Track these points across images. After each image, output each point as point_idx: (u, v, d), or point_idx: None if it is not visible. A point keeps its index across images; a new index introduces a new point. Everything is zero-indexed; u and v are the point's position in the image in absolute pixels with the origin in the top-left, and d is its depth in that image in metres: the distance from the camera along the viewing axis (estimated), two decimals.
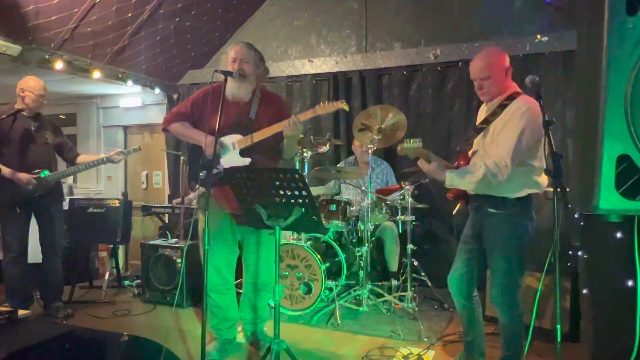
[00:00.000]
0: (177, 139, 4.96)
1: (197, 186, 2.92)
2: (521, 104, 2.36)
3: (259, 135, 2.84)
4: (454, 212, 3.31)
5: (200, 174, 2.83)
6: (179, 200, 4.89)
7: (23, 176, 3.53)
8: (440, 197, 4.52)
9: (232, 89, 2.83)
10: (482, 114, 2.63)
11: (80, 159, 3.88)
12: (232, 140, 2.88)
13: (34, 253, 3.86)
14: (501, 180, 2.31)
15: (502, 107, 2.42)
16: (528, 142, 2.32)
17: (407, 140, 2.37)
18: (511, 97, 2.42)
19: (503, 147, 2.33)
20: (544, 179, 2.42)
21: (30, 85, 3.61)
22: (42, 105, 3.70)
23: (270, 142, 2.90)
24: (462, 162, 2.55)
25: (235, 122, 2.89)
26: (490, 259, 2.50)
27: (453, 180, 2.40)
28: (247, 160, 2.85)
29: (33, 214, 3.76)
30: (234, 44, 2.95)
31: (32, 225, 3.79)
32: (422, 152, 2.40)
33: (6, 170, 3.53)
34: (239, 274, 3.21)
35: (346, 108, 2.83)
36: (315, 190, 4.53)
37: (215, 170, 2.76)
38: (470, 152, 2.60)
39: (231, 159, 2.86)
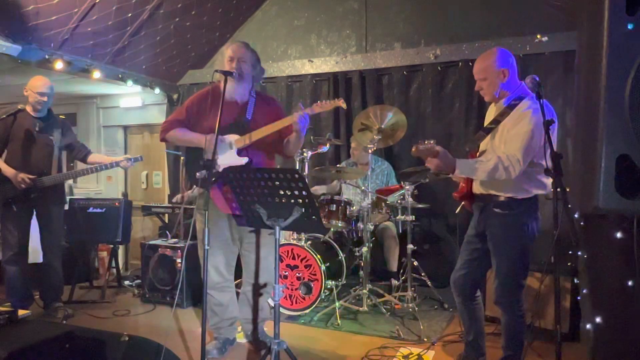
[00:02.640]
0: None
1: (194, 187, 2.92)
2: (530, 103, 2.35)
3: (257, 134, 2.84)
4: (457, 211, 3.30)
5: (198, 174, 2.83)
6: (178, 197, 4.88)
7: (19, 175, 3.54)
8: (441, 197, 4.53)
9: (230, 88, 2.82)
10: (490, 114, 2.62)
11: (92, 158, 3.89)
12: (229, 140, 2.88)
13: (34, 253, 3.86)
14: (512, 175, 2.27)
15: (511, 107, 2.41)
16: (539, 140, 2.30)
17: (422, 141, 2.35)
18: (520, 97, 2.42)
19: (515, 143, 2.30)
20: (550, 180, 2.41)
21: (32, 84, 3.62)
22: (43, 104, 3.65)
23: (267, 142, 2.91)
24: None
25: (232, 122, 2.89)
26: (494, 259, 2.49)
27: (463, 169, 2.36)
28: (244, 160, 2.85)
29: (35, 213, 3.77)
30: (230, 44, 2.96)
31: (34, 225, 3.79)
32: (434, 151, 2.37)
33: (9, 171, 3.54)
34: (239, 274, 3.21)
35: (344, 106, 2.83)
36: (318, 189, 4.53)
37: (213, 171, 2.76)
38: (477, 153, 2.59)
39: (228, 159, 2.86)
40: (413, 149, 2.39)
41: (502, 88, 2.45)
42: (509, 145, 2.33)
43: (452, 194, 2.69)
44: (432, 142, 2.34)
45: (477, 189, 2.56)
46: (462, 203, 2.73)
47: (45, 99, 3.65)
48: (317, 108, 2.81)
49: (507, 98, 2.45)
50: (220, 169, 2.81)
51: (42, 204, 3.71)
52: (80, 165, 5.14)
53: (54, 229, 3.79)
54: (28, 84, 3.63)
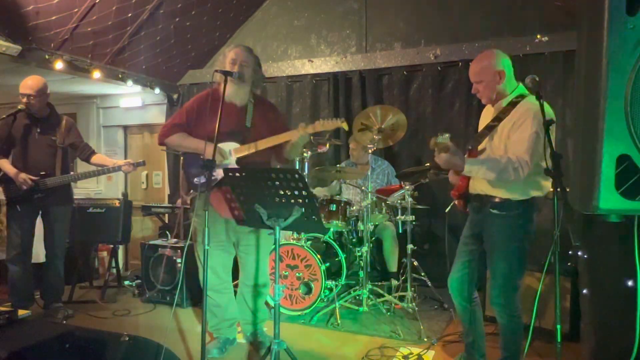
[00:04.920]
0: None
1: (191, 191, 2.92)
2: (531, 104, 2.34)
3: (262, 145, 2.84)
4: (446, 210, 3.29)
5: (195, 179, 2.83)
6: (179, 202, 4.89)
7: (21, 176, 3.54)
8: (441, 197, 4.53)
9: (229, 90, 2.81)
10: (487, 115, 2.61)
11: (95, 159, 3.86)
12: (228, 148, 2.88)
13: (35, 253, 3.87)
14: (520, 177, 2.27)
15: (512, 104, 2.40)
16: (542, 141, 2.29)
17: (440, 134, 2.34)
18: (520, 96, 2.41)
19: (521, 145, 2.29)
20: (548, 182, 2.40)
21: (21, 85, 3.58)
22: (30, 106, 3.56)
23: (263, 150, 2.90)
24: None
25: (232, 129, 2.88)
26: (490, 260, 2.49)
27: (472, 167, 2.34)
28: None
29: (40, 214, 3.77)
30: (233, 46, 2.96)
31: (39, 225, 3.80)
32: (446, 147, 2.37)
33: (12, 171, 3.55)
34: (237, 274, 3.21)
35: (345, 128, 2.83)
36: (318, 192, 4.53)
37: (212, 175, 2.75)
38: (477, 152, 2.58)
39: (227, 167, 2.85)
40: (431, 142, 2.38)
41: (499, 90, 2.44)
42: (515, 148, 2.31)
43: (450, 192, 2.69)
44: (448, 135, 2.33)
45: (473, 189, 2.55)
46: (454, 202, 2.72)
47: (25, 100, 3.55)
48: (319, 126, 2.80)
49: (507, 98, 2.44)
50: (219, 177, 2.80)
51: (46, 204, 3.71)
52: (80, 166, 5.15)
53: (58, 230, 3.79)
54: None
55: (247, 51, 2.92)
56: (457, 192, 2.64)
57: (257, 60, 2.98)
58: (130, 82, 5.01)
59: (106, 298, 4.34)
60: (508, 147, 2.36)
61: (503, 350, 2.54)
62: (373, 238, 4.15)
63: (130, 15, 4.24)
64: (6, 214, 3.70)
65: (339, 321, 3.54)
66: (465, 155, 2.51)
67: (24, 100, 3.56)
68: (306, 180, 2.88)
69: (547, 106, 2.09)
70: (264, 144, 2.85)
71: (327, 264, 3.78)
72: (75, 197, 4.13)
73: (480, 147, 2.54)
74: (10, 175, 3.57)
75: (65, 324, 3.60)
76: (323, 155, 4.85)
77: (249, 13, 5.38)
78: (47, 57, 4.04)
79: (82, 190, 6.10)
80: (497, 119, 2.44)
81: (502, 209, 2.41)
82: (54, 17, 3.77)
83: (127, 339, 2.27)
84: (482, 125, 2.62)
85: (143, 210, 5.12)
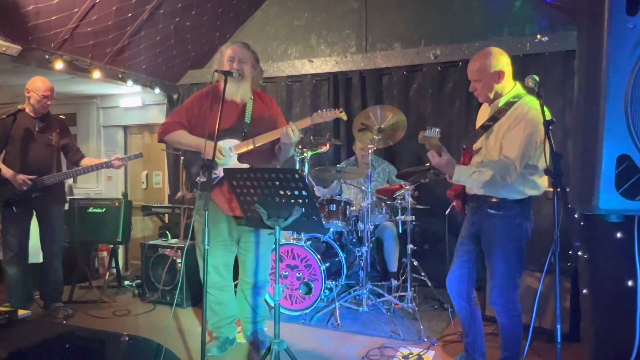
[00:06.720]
0: None
1: (193, 189, 2.92)
2: (526, 105, 2.35)
3: (260, 140, 2.83)
4: (446, 212, 3.30)
5: (197, 178, 2.82)
6: (180, 194, 4.87)
7: (19, 177, 3.53)
8: (441, 197, 4.52)
9: (230, 88, 2.81)
10: (484, 113, 2.62)
11: (85, 161, 3.86)
12: (228, 145, 2.87)
13: (35, 253, 3.86)
14: (508, 182, 2.30)
15: (509, 104, 2.41)
16: (536, 144, 2.31)
17: (429, 128, 2.36)
18: (517, 96, 2.42)
19: (512, 150, 2.31)
20: (544, 181, 2.42)
21: (35, 86, 3.62)
22: (47, 106, 3.70)
23: (265, 146, 2.90)
24: (466, 160, 2.54)
25: (232, 126, 2.88)
26: (489, 260, 2.49)
27: (461, 176, 2.37)
28: (245, 165, 2.85)
29: (35, 214, 3.77)
30: (230, 43, 2.94)
31: (34, 225, 3.79)
32: (437, 145, 2.39)
33: (8, 173, 3.54)
34: (237, 274, 3.21)
35: (344, 117, 2.83)
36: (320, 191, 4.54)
37: (213, 175, 2.75)
38: (472, 151, 2.59)
39: (229, 164, 2.85)
40: (420, 136, 2.40)
41: (497, 89, 2.44)
42: (507, 151, 2.34)
43: (446, 192, 2.70)
44: (437, 130, 2.34)
45: (470, 189, 2.55)
46: (453, 204, 2.73)
47: (49, 102, 3.68)
48: (317, 118, 2.81)
49: (503, 98, 2.45)
50: (221, 174, 2.80)
51: (42, 204, 3.70)
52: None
53: (55, 229, 3.79)
54: (30, 86, 3.63)
55: (244, 47, 2.91)
56: (453, 192, 2.65)
57: (255, 56, 2.96)
58: (130, 82, 5.01)
59: (106, 298, 4.34)
60: (503, 145, 2.38)
61: (503, 350, 2.54)
62: (373, 238, 4.15)
63: (130, 15, 4.23)
64: (1, 215, 3.69)
65: (339, 321, 3.54)
66: (461, 160, 2.53)
67: (46, 101, 3.66)
68: (306, 180, 2.88)
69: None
70: (261, 140, 2.84)
71: (327, 264, 3.78)
72: (75, 197, 4.14)
73: (475, 147, 2.55)
74: (7, 177, 3.55)
75: (65, 324, 3.61)
76: (323, 155, 4.85)
77: (249, 13, 5.38)
78: (47, 57, 4.04)
79: (82, 190, 6.10)
80: (493, 118, 2.44)
81: (499, 209, 2.42)
82: (54, 17, 3.77)
83: (127, 339, 2.27)
84: (479, 123, 2.62)
85: (143, 210, 5.12)
